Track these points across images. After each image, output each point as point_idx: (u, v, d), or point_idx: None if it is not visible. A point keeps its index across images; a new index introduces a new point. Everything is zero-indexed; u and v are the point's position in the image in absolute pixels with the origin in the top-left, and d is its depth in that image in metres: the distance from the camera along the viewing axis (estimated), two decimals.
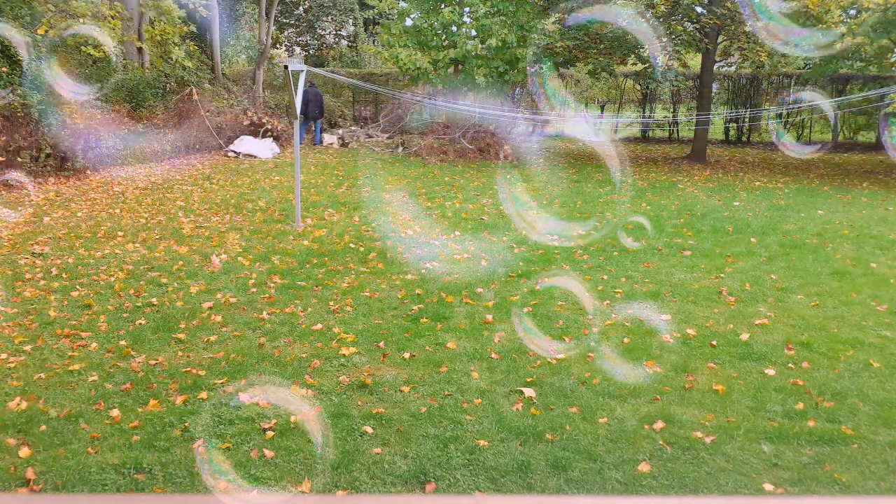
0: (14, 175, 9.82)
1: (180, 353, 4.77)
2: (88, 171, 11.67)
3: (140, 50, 14.85)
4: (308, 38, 29.49)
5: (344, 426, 3.83)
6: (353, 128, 20.40)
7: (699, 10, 14.78)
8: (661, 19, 14.68)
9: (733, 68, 19.46)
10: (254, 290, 6.12)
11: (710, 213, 9.72)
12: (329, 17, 28.04)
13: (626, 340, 5.04)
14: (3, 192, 10.18)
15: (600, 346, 4.89)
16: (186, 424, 3.82)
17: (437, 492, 3.29)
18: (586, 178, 13.03)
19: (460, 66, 16.22)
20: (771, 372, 4.55)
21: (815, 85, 19.63)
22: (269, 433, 3.74)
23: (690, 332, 5.22)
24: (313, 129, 17.96)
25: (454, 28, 15.97)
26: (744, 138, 21.13)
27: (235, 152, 15.47)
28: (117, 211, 9.32)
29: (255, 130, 16.49)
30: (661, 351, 4.88)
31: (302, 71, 8.23)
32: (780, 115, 17.00)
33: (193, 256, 7.12)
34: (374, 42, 26.79)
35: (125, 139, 12.48)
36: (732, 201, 10.77)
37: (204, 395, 4.16)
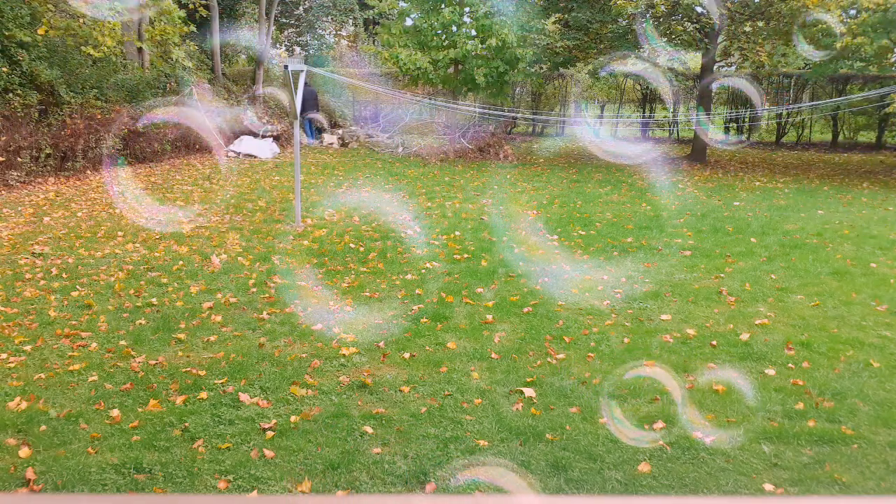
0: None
1: (180, 353, 4.77)
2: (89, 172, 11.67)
3: (140, 50, 14.85)
4: (308, 37, 29.46)
5: (344, 426, 3.83)
6: (352, 128, 20.38)
7: (699, 10, 14.78)
8: (661, 19, 14.69)
9: (733, 68, 19.45)
10: (254, 290, 6.12)
11: (710, 213, 9.72)
12: (329, 17, 28.04)
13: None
14: (2, 191, 10.18)
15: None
16: (186, 424, 3.82)
17: (437, 492, 3.28)
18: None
19: (460, 66, 16.21)
20: (771, 372, 4.55)
21: (815, 84, 19.63)
22: (269, 433, 3.75)
23: (690, 332, 5.22)
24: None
25: (454, 28, 15.96)
26: (744, 138, 21.12)
27: (235, 152, 15.47)
28: (117, 211, 9.32)
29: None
30: (661, 351, 4.88)
31: (302, 71, 8.23)
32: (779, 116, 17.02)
33: (193, 256, 7.13)
34: (374, 42, 26.77)
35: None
36: (732, 201, 10.77)
37: (204, 395, 4.16)
